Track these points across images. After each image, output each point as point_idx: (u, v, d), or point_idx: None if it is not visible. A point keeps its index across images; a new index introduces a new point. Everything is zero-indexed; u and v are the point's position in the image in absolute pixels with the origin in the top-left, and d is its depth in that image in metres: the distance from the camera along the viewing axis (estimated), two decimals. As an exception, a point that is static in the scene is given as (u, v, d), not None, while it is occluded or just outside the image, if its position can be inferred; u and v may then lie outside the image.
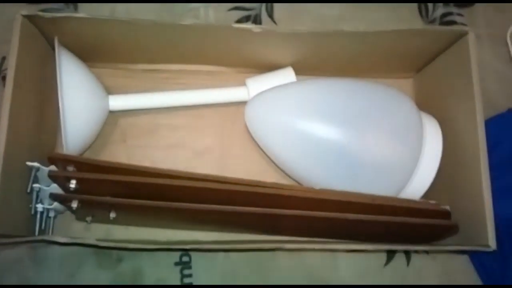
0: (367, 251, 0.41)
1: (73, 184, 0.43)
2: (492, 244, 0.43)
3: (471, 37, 0.47)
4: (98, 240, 0.40)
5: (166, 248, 0.41)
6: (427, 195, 0.49)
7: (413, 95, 0.58)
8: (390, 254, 0.54)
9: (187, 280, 0.51)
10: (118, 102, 0.51)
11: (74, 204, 0.44)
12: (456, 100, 0.50)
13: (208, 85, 0.54)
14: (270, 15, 0.60)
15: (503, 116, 0.57)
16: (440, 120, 0.51)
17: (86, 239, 0.40)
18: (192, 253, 0.52)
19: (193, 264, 0.52)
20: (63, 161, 0.43)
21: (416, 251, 0.54)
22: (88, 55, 0.52)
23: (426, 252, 0.54)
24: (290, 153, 0.48)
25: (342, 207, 0.45)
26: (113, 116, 0.54)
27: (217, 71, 0.56)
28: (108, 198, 0.43)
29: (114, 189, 0.44)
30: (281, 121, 0.48)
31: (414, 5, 0.62)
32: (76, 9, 0.58)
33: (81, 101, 0.46)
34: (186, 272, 0.51)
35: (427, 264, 0.54)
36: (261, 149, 0.52)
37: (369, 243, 0.43)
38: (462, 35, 0.48)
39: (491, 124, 0.53)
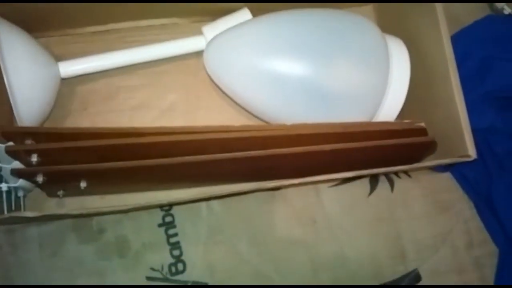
0: (349, 179, 0.40)
1: (34, 157, 0.41)
2: (472, 153, 0.43)
3: None
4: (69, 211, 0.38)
5: (141, 207, 0.40)
6: (400, 117, 0.48)
7: (375, 21, 0.57)
8: (373, 182, 0.53)
9: (173, 240, 0.50)
10: (68, 67, 0.49)
11: (40, 178, 0.42)
12: (419, 18, 0.49)
13: (164, 39, 0.52)
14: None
15: (468, 30, 0.56)
16: (405, 41, 0.49)
17: (58, 209, 0.39)
18: (174, 212, 0.51)
19: (176, 223, 0.50)
20: (18, 134, 0.41)
21: (397, 175, 0.53)
22: (32, 25, 0.49)
23: (408, 175, 0.54)
24: (257, 93, 0.46)
25: (316, 140, 0.44)
26: (70, 84, 0.51)
27: (171, 24, 0.54)
28: (73, 166, 0.42)
29: (80, 156, 0.42)
30: (242, 61, 0.46)
31: None
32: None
33: (26, 71, 0.43)
34: (171, 231, 0.50)
35: (412, 187, 0.54)
36: (228, 96, 0.50)
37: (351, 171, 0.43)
38: None
39: (457, 39, 0.52)
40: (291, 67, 0.45)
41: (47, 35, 0.52)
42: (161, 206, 0.49)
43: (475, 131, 0.44)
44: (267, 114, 0.48)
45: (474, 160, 0.43)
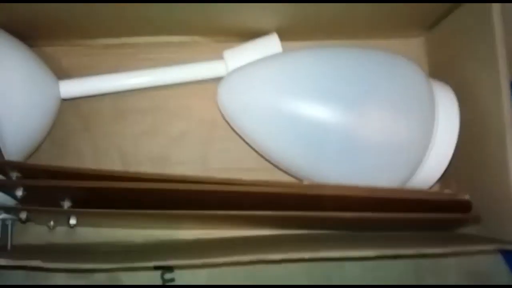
0: (367, 258, 0.34)
1: (19, 191, 0.37)
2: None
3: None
4: (44, 261, 0.34)
5: (134, 267, 0.35)
6: (442, 178, 0.41)
7: (425, 57, 0.49)
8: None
9: (170, 285, 0.45)
10: (71, 88, 0.43)
11: (23, 215, 0.38)
12: (476, 63, 0.41)
13: (181, 59, 0.46)
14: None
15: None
16: (457, 87, 0.42)
17: (31, 261, 0.34)
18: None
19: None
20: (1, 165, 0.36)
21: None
22: (35, 33, 0.44)
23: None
24: (276, 141, 0.40)
25: (337, 203, 0.37)
26: (73, 101, 0.46)
27: (190, 42, 0.48)
28: (60, 209, 0.37)
29: (70, 194, 0.38)
30: (259, 104, 0.39)
31: None
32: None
33: (17, 93, 0.38)
34: (168, 276, 0.46)
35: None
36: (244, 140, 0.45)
37: (373, 247, 0.36)
38: (483, -18, 0.38)
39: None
40: (318, 114, 0.38)
41: (54, 44, 0.47)
42: (157, 267, 0.44)
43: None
44: (285, 164, 0.42)
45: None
